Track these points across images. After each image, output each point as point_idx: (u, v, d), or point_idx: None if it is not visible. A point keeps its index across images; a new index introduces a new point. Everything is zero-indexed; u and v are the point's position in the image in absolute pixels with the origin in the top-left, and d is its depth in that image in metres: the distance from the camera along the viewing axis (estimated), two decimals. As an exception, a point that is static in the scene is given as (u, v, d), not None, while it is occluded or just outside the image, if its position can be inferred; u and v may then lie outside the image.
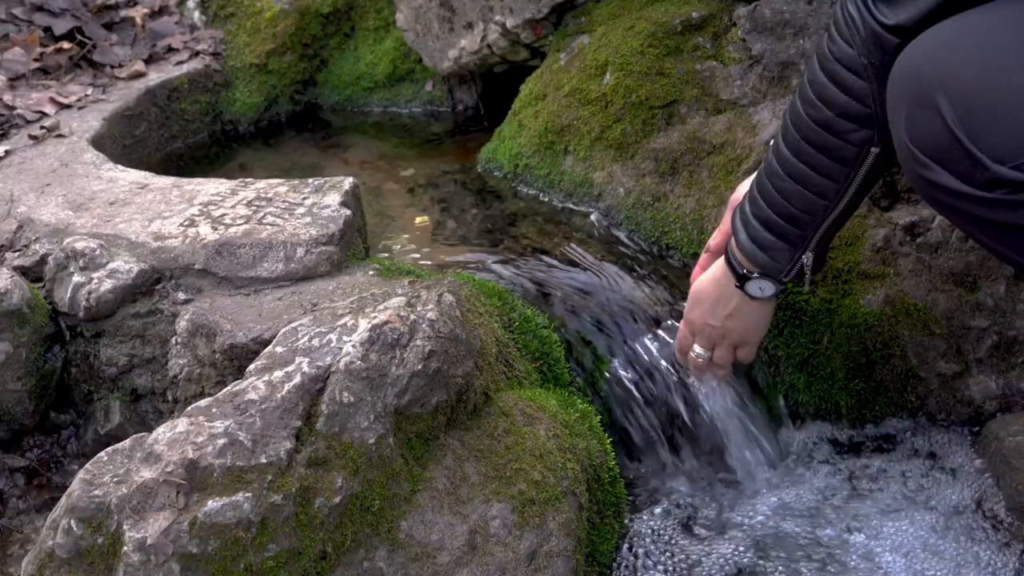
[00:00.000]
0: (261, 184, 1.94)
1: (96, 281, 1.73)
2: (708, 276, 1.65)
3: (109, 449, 1.34)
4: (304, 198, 1.86)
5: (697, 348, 1.69)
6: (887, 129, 1.29)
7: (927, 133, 1.17)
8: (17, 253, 1.88)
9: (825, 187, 1.43)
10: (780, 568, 1.60)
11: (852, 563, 1.61)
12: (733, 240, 1.57)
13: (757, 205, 1.52)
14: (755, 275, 1.56)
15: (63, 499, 1.30)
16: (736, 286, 1.59)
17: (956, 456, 1.79)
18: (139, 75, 2.77)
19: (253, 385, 1.36)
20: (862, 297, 1.83)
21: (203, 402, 1.35)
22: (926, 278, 1.83)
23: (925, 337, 1.82)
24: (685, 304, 1.72)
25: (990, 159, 1.10)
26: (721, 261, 1.61)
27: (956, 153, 1.13)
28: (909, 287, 1.83)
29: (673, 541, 1.66)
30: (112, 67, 2.82)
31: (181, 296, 1.72)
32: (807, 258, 1.53)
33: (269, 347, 1.45)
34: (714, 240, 1.69)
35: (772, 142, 1.50)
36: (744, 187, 1.63)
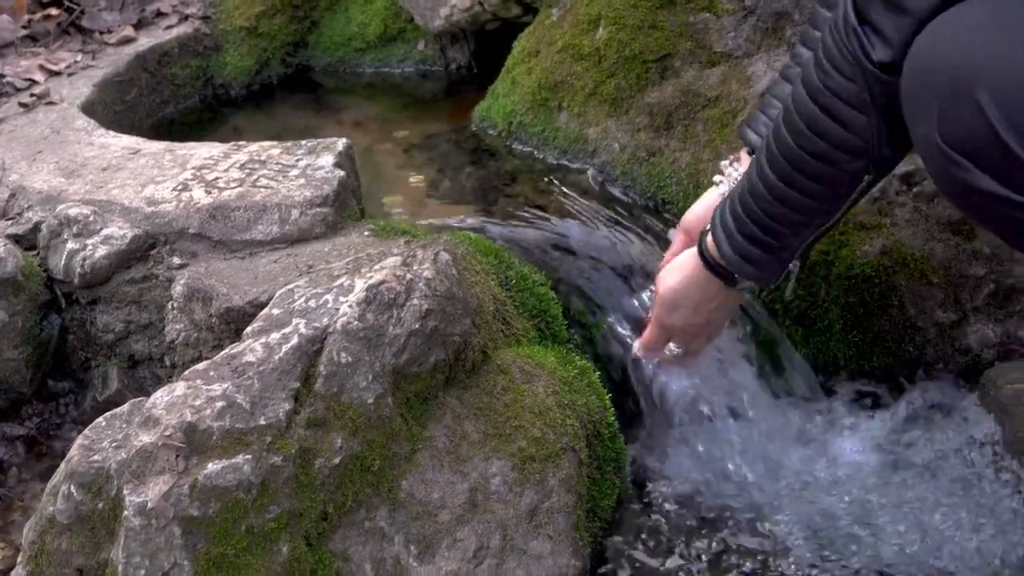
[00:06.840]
0: (254, 147, 1.93)
1: (90, 248, 1.72)
2: (683, 281, 1.57)
3: (108, 414, 1.34)
4: (297, 160, 1.85)
5: (673, 347, 1.66)
6: (883, 157, 1.24)
7: (963, 130, 1.06)
8: (10, 221, 1.87)
9: (815, 209, 1.37)
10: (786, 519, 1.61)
11: (851, 511, 1.61)
12: (716, 250, 1.49)
13: (741, 222, 1.44)
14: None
15: (62, 465, 1.30)
16: (726, 285, 1.53)
17: (954, 404, 1.79)
18: (129, 40, 2.75)
19: (250, 347, 1.36)
20: (859, 248, 1.83)
21: (200, 365, 1.35)
22: (923, 227, 1.82)
23: (923, 286, 1.81)
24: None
25: None
26: (695, 264, 1.54)
27: (995, 152, 1.03)
28: (906, 237, 1.82)
29: (671, 499, 1.67)
30: (101, 33, 2.79)
31: (176, 261, 1.72)
32: (794, 265, 1.51)
33: (265, 309, 1.45)
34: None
35: (754, 162, 1.41)
36: (698, 207, 1.61)
